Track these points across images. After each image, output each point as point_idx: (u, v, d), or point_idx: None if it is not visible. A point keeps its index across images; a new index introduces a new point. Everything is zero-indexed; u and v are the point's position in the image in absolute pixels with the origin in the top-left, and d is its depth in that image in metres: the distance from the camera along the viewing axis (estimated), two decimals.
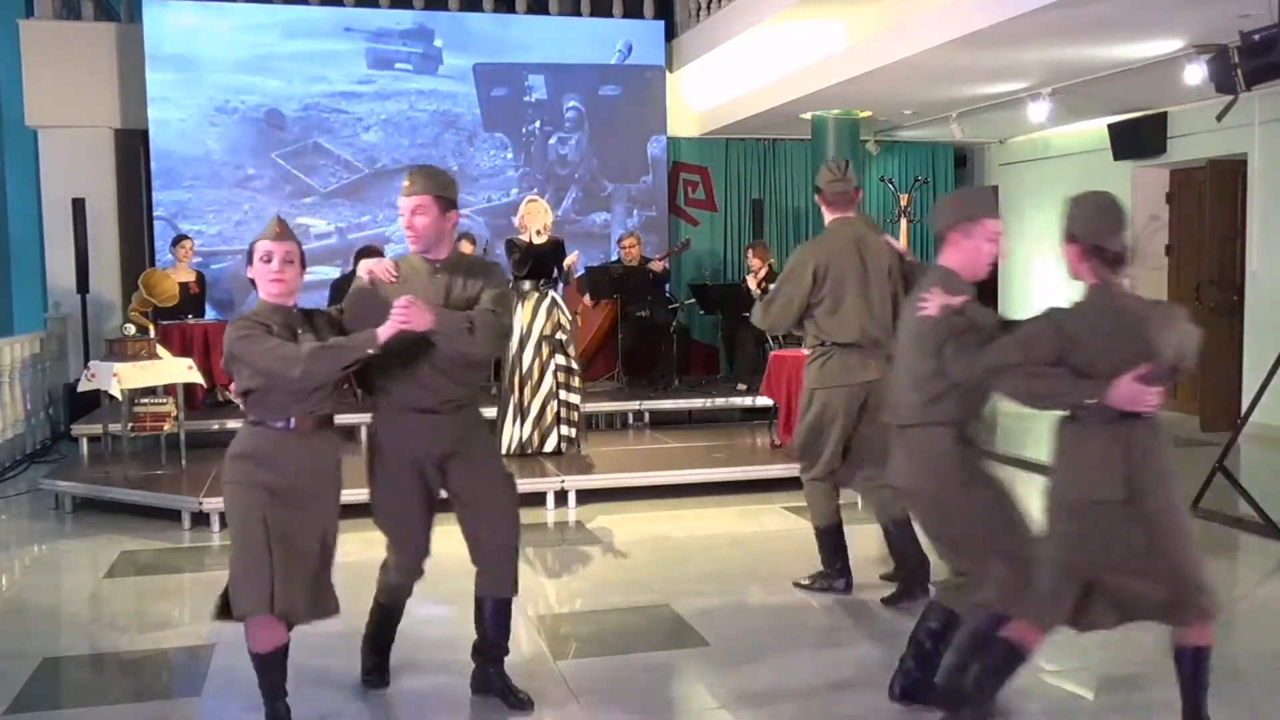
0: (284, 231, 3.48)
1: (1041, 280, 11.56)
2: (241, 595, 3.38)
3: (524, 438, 7.57)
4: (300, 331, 3.48)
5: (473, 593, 5.08)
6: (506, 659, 3.98)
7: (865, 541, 6.24)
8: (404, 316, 3.41)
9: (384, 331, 3.41)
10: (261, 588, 3.35)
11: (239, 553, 3.42)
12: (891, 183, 10.23)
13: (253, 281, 3.52)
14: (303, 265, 3.53)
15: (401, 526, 3.89)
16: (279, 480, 3.43)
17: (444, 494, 3.90)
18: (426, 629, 4.81)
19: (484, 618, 3.93)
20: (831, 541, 5.24)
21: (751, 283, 9.92)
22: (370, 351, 3.43)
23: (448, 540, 6.30)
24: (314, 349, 3.36)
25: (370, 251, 9.25)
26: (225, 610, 3.45)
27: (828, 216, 5.10)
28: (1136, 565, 3.21)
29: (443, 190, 3.70)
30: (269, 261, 3.45)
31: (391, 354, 3.55)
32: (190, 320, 9.18)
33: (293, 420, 3.46)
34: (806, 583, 5.30)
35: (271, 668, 3.49)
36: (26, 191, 11.91)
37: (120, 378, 7.15)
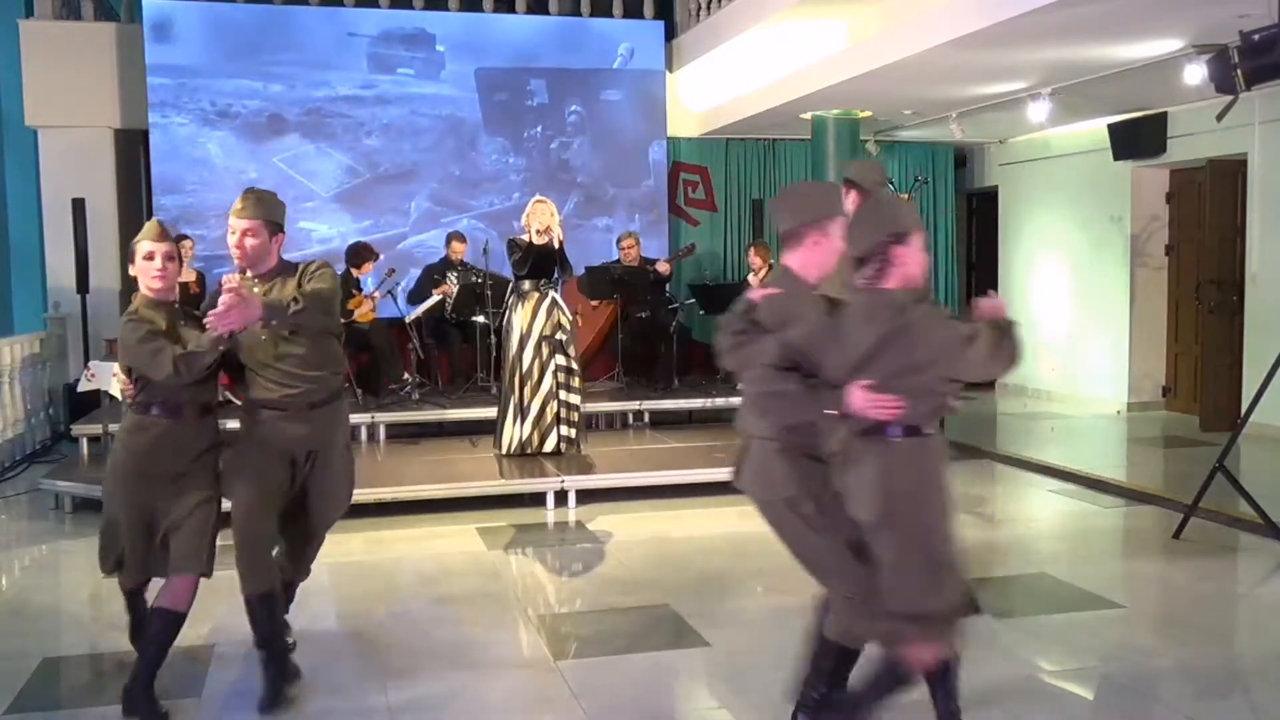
0: (163, 232, 3.89)
1: (1042, 279, 11.57)
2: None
3: (524, 437, 7.57)
4: (182, 324, 3.86)
5: (472, 593, 5.09)
6: (507, 660, 3.96)
7: None
8: (229, 318, 3.62)
9: (220, 329, 3.64)
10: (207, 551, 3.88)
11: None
12: (891, 183, 10.21)
13: (134, 279, 3.87)
14: (180, 263, 3.98)
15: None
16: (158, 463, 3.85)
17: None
18: (432, 629, 4.81)
19: (254, 615, 4.02)
20: None
21: (754, 281, 9.93)
22: (221, 349, 3.72)
23: (451, 540, 6.30)
24: (181, 355, 3.67)
25: (362, 249, 9.26)
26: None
27: None
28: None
29: (273, 216, 4.02)
30: (152, 260, 3.83)
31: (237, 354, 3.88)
32: None
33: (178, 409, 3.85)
34: None
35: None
36: (26, 191, 11.92)
37: (120, 378, 7.14)
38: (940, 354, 3.05)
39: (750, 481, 3.55)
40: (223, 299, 3.64)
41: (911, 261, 3.10)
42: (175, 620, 3.88)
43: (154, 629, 3.91)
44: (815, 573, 3.49)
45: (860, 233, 3.16)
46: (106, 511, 4.06)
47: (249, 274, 3.97)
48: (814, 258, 3.39)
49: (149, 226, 3.92)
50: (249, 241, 3.95)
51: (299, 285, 3.92)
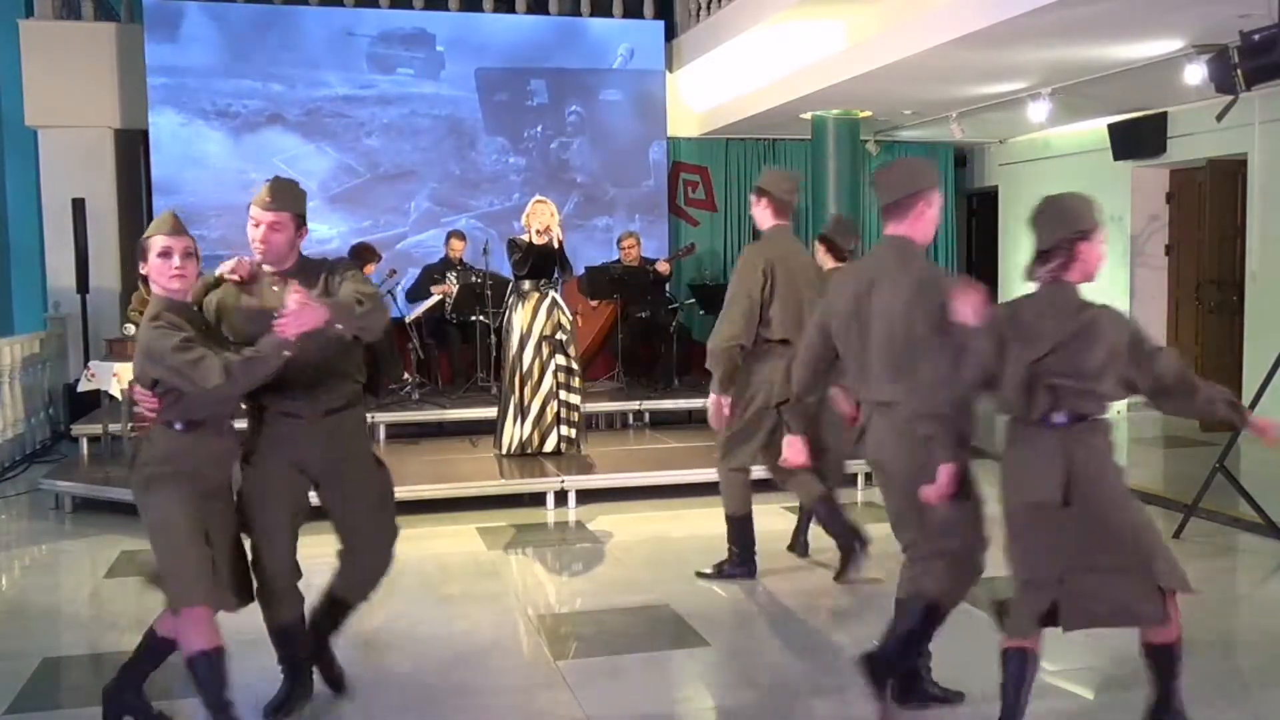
0: (179, 226, 3.45)
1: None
2: (183, 586, 3.41)
3: (524, 437, 7.57)
4: (203, 329, 3.47)
5: (472, 593, 5.05)
6: (507, 660, 3.95)
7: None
8: (302, 319, 3.31)
9: (289, 333, 3.30)
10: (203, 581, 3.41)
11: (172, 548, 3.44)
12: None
13: (144, 279, 3.47)
14: (198, 259, 3.50)
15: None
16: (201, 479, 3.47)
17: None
18: (432, 629, 4.81)
19: (275, 641, 3.86)
20: (745, 529, 5.45)
21: None
22: (287, 354, 3.35)
23: (451, 540, 6.31)
24: (239, 362, 3.31)
25: (365, 250, 9.25)
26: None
27: (771, 222, 5.20)
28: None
29: (300, 208, 3.69)
30: (169, 257, 3.39)
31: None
32: None
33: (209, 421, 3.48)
34: (710, 572, 5.47)
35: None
36: (26, 191, 11.91)
37: (120, 378, 7.16)
38: (1114, 358, 3.21)
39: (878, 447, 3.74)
40: (291, 299, 3.33)
41: (1093, 257, 3.26)
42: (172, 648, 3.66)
43: (157, 652, 3.70)
44: (940, 532, 3.64)
45: (1046, 228, 3.28)
46: (163, 544, 3.48)
47: (267, 269, 3.68)
48: (920, 225, 3.67)
49: (163, 219, 3.47)
50: (275, 236, 3.61)
51: (325, 286, 3.63)
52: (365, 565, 3.90)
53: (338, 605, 3.97)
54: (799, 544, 5.85)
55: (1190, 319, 10.23)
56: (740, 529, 5.43)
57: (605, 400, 9.37)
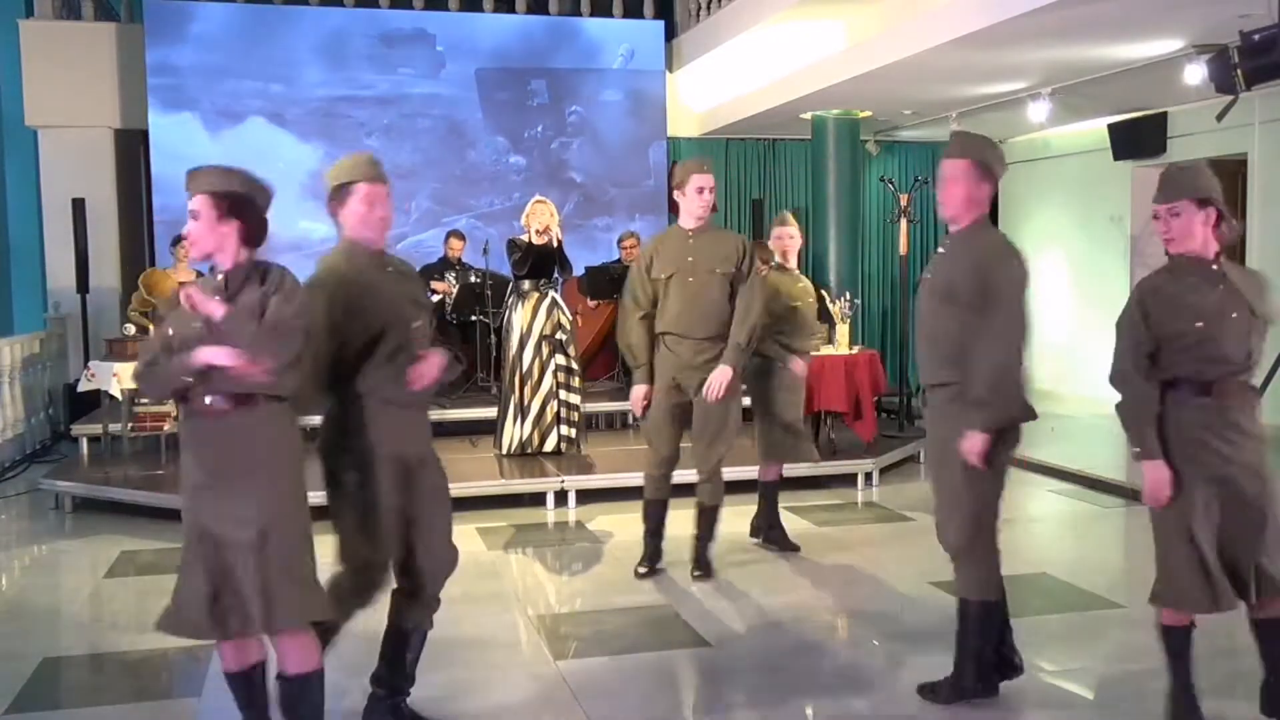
0: (204, 180, 2.96)
1: (1042, 278, 11.55)
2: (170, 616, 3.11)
3: (524, 437, 7.57)
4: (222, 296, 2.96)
5: (472, 593, 5.06)
6: (507, 660, 3.96)
7: (863, 539, 6.24)
8: (435, 370, 3.36)
9: (425, 386, 3.34)
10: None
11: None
12: (891, 183, 10.22)
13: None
14: (239, 218, 2.96)
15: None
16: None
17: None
18: (432, 629, 4.81)
19: (406, 648, 3.63)
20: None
21: None
22: (187, 380, 2.91)
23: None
24: (143, 369, 2.99)
25: None
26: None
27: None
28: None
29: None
30: (196, 218, 2.97)
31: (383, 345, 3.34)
32: None
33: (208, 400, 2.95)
34: (705, 572, 5.52)
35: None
36: (26, 191, 11.92)
37: (120, 378, 7.15)
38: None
39: None
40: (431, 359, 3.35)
41: (1171, 228, 3.39)
42: (305, 684, 3.17)
43: (284, 704, 3.22)
44: None
45: None
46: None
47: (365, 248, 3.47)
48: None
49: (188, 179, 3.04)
50: (392, 212, 3.54)
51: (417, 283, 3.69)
52: (432, 565, 3.64)
53: (405, 636, 3.69)
54: (763, 531, 6.08)
55: None
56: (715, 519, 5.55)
57: (605, 400, 9.37)
